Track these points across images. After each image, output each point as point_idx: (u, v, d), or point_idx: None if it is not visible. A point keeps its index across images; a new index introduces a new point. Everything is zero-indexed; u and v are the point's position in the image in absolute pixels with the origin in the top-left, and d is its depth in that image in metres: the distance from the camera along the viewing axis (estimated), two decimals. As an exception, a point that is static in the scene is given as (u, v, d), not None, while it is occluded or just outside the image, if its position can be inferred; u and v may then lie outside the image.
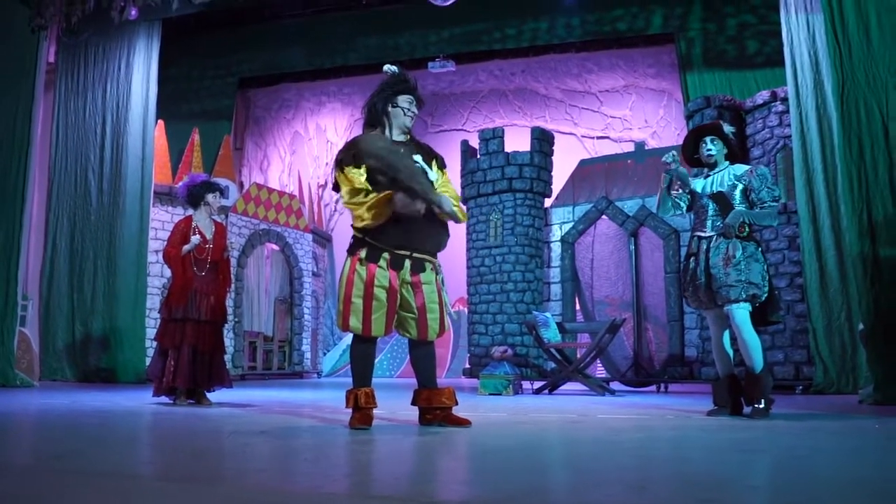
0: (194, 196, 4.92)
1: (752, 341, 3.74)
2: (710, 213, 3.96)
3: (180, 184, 5.13)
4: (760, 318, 3.85)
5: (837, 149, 5.41)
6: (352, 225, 3.34)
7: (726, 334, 3.98)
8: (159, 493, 1.71)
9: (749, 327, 3.74)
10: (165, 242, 4.95)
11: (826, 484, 1.86)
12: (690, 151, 4.20)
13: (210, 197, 4.91)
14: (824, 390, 5.89)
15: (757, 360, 3.74)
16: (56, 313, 7.88)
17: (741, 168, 3.97)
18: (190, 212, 5.04)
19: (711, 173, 4.06)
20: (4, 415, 3.89)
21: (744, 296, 3.72)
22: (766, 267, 3.82)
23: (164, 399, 4.84)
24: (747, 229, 3.81)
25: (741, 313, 3.74)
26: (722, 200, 3.92)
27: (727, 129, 4.06)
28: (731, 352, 4.03)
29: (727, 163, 4.04)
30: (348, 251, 3.33)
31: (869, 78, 5.15)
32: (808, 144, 6.21)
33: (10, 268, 6.83)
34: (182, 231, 4.80)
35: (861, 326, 5.14)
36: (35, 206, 8.07)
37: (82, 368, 7.77)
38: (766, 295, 3.78)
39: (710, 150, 4.04)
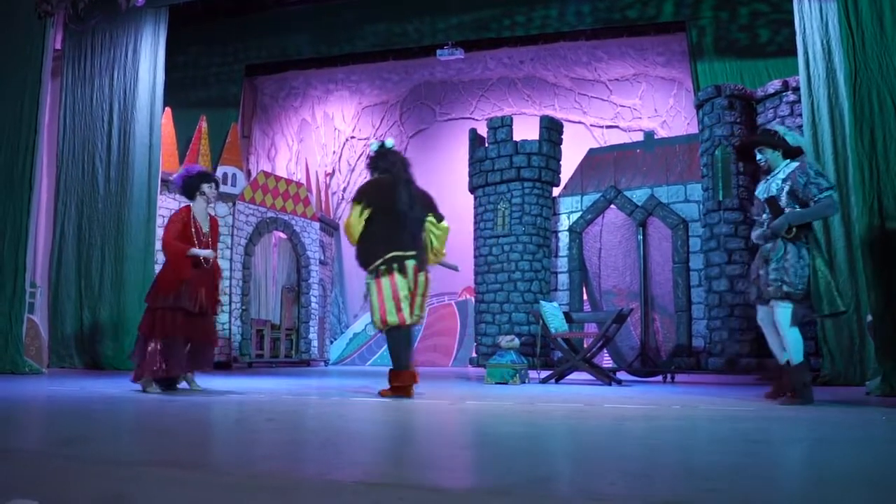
0: (190, 187, 4.84)
1: (789, 336, 4.01)
2: (765, 217, 4.19)
3: (175, 175, 5.09)
4: (812, 311, 4.08)
5: (849, 139, 5.35)
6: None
7: (788, 322, 4.13)
8: (166, 479, 1.72)
9: (786, 323, 4.01)
10: (163, 229, 4.87)
11: (832, 475, 1.84)
12: (747, 157, 4.46)
13: (206, 187, 4.84)
14: (831, 381, 5.86)
15: (794, 353, 4.00)
16: (64, 301, 7.92)
17: (791, 167, 4.13)
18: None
19: (770, 177, 4.25)
20: (13, 401, 3.93)
21: (779, 294, 3.98)
22: (808, 265, 3.98)
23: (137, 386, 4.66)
24: (794, 230, 3.99)
25: (779, 310, 4.03)
26: (773, 205, 4.11)
27: (777, 129, 4.30)
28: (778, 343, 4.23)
29: (786, 162, 4.21)
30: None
31: (882, 67, 5.08)
32: (820, 134, 6.14)
33: (18, 255, 6.86)
34: (183, 220, 4.72)
35: (869, 318, 5.11)
36: (43, 193, 8.10)
37: (90, 355, 7.82)
38: (801, 292, 3.97)
39: (759, 159, 4.29)
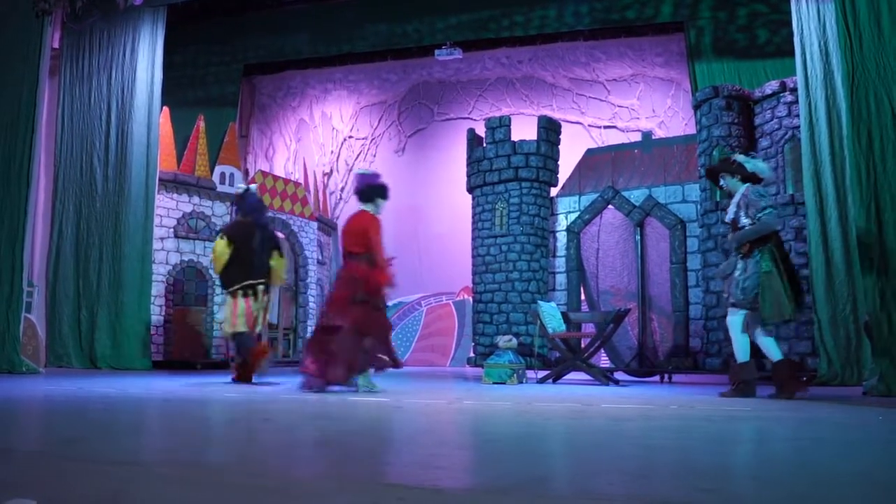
0: (371, 192, 5.07)
1: (737, 338, 4.65)
2: (730, 237, 4.80)
3: (362, 173, 5.33)
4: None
5: (846, 139, 5.37)
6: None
7: (758, 329, 4.64)
8: (164, 479, 1.72)
9: (734, 327, 4.64)
10: (367, 232, 4.88)
11: (829, 475, 1.85)
12: (715, 181, 5.06)
13: (380, 200, 5.10)
14: (828, 382, 5.87)
15: (739, 353, 4.66)
16: (62, 300, 7.91)
17: (740, 192, 4.70)
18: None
19: (732, 201, 4.80)
20: (10, 401, 3.92)
21: (729, 303, 4.66)
22: (758, 276, 4.49)
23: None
24: (746, 247, 4.56)
25: (730, 317, 4.67)
26: (734, 227, 4.71)
27: (736, 157, 4.85)
28: (753, 342, 4.70)
29: (745, 186, 4.72)
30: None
31: (880, 68, 5.09)
32: (817, 135, 6.16)
33: (16, 254, 6.85)
34: (380, 224, 5.00)
35: (866, 318, 5.12)
36: (41, 192, 8.09)
37: (88, 355, 7.81)
38: (746, 301, 4.53)
39: (721, 184, 4.91)
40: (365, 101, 13.26)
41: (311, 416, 3.25)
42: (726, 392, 4.69)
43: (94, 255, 7.97)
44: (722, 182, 4.87)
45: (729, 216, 4.75)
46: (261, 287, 5.80)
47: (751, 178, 4.73)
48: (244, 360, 5.69)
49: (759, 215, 4.51)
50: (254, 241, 5.79)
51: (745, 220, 4.59)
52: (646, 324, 7.76)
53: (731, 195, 4.86)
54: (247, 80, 12.32)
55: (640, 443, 2.46)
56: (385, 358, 4.86)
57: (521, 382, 6.37)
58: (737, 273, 4.59)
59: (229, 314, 5.73)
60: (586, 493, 1.57)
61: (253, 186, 6.29)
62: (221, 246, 5.72)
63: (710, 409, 3.81)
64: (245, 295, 5.72)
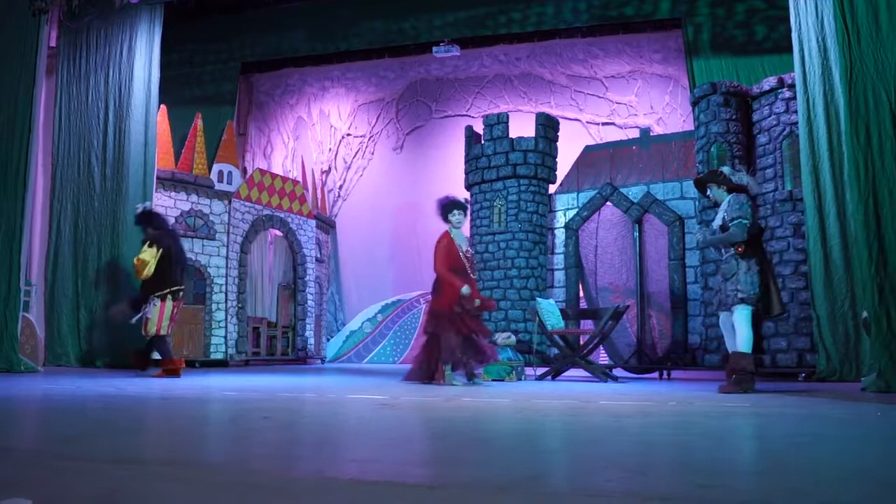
0: (442, 210, 5.83)
1: (744, 331, 4.82)
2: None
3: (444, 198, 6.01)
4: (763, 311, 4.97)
5: (844, 135, 5.36)
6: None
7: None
8: (162, 477, 1.72)
9: (743, 321, 4.81)
10: (434, 254, 5.67)
11: (828, 471, 1.85)
12: (702, 191, 5.40)
13: (450, 215, 5.76)
14: (827, 378, 5.88)
15: (742, 345, 4.81)
16: (60, 299, 7.90)
17: (725, 202, 5.02)
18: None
19: (719, 209, 5.11)
20: (9, 399, 3.91)
21: (737, 300, 4.82)
22: (757, 275, 4.82)
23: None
24: (742, 248, 4.83)
25: (737, 313, 4.83)
26: (723, 231, 5.01)
27: (723, 170, 5.15)
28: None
29: (730, 196, 5.01)
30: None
31: (878, 64, 5.09)
32: (815, 131, 6.15)
33: (13, 253, 6.84)
34: (446, 244, 5.67)
35: (864, 314, 5.12)
36: (39, 191, 8.07)
37: (87, 354, 7.80)
38: (753, 297, 4.78)
39: (708, 193, 5.23)
40: (363, 98, 13.24)
41: (308, 415, 3.25)
42: (724, 386, 4.76)
43: (93, 253, 7.96)
44: (709, 192, 5.20)
45: (717, 223, 5.08)
46: (181, 292, 6.64)
47: (737, 188, 5.03)
48: (142, 352, 6.60)
49: (730, 224, 4.87)
50: (173, 250, 6.55)
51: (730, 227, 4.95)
52: (644, 320, 7.76)
53: (717, 204, 5.21)
54: (244, 78, 12.31)
55: (639, 439, 2.46)
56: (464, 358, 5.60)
57: (520, 379, 6.38)
58: (740, 273, 4.82)
59: (156, 316, 6.36)
60: (585, 490, 1.57)
61: (147, 203, 7.30)
62: (150, 254, 6.38)
63: (709, 405, 3.81)
64: (174, 298, 6.50)
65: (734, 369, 4.74)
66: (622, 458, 2.01)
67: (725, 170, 5.17)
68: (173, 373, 6.28)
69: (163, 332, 6.45)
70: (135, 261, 6.42)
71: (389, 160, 12.90)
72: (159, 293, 6.40)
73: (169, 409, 3.47)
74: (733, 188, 5.05)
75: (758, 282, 4.81)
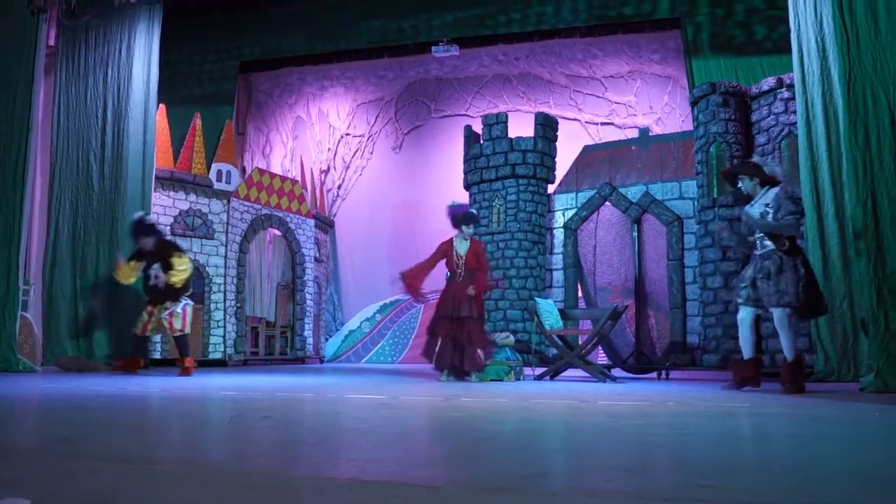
0: (454, 220, 6.34)
1: (788, 335, 4.84)
2: (757, 236, 4.98)
3: (454, 205, 6.57)
4: (808, 312, 4.96)
5: (843, 136, 5.36)
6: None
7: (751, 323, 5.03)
8: (161, 477, 1.71)
9: (786, 325, 4.79)
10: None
11: (826, 471, 1.85)
12: (732, 183, 5.35)
13: (463, 227, 6.30)
14: (825, 378, 5.88)
15: (788, 351, 4.85)
16: (59, 298, 7.88)
17: (772, 194, 4.88)
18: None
19: (754, 202, 5.02)
20: (7, 399, 3.91)
21: (782, 302, 4.72)
22: (803, 277, 4.73)
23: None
24: (786, 244, 4.74)
25: (780, 315, 4.78)
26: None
27: (756, 160, 5.09)
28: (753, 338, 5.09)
29: (765, 189, 4.98)
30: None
31: (876, 64, 5.09)
32: (814, 132, 6.15)
33: (11, 253, 6.83)
34: (443, 248, 6.37)
35: (863, 315, 5.13)
36: (37, 190, 8.06)
37: (85, 353, 7.78)
38: (799, 301, 4.71)
39: (740, 186, 5.13)
40: (362, 98, 13.23)
41: (307, 414, 3.25)
42: (782, 389, 4.82)
43: (91, 253, 7.95)
44: (740, 184, 5.11)
45: (757, 214, 4.94)
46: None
47: (770, 180, 4.95)
48: (132, 356, 6.99)
49: (787, 217, 4.75)
50: None
51: (772, 218, 4.83)
52: (643, 320, 7.76)
53: (748, 196, 5.12)
54: (243, 77, 12.28)
55: (638, 439, 2.46)
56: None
57: (519, 379, 6.38)
58: (786, 274, 4.72)
59: (189, 316, 6.92)
60: (583, 490, 1.57)
61: (146, 214, 7.46)
62: (188, 264, 6.90)
63: (708, 405, 3.81)
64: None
65: (787, 379, 4.81)
66: (621, 458, 2.01)
67: (757, 160, 5.14)
68: (188, 371, 6.69)
69: (187, 331, 6.91)
70: (178, 277, 6.72)
71: (388, 160, 12.90)
72: (188, 294, 6.98)
73: (168, 409, 3.47)
74: (766, 180, 5.01)
75: (801, 283, 4.74)
